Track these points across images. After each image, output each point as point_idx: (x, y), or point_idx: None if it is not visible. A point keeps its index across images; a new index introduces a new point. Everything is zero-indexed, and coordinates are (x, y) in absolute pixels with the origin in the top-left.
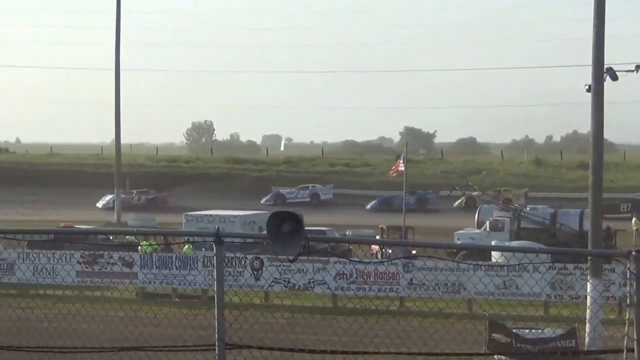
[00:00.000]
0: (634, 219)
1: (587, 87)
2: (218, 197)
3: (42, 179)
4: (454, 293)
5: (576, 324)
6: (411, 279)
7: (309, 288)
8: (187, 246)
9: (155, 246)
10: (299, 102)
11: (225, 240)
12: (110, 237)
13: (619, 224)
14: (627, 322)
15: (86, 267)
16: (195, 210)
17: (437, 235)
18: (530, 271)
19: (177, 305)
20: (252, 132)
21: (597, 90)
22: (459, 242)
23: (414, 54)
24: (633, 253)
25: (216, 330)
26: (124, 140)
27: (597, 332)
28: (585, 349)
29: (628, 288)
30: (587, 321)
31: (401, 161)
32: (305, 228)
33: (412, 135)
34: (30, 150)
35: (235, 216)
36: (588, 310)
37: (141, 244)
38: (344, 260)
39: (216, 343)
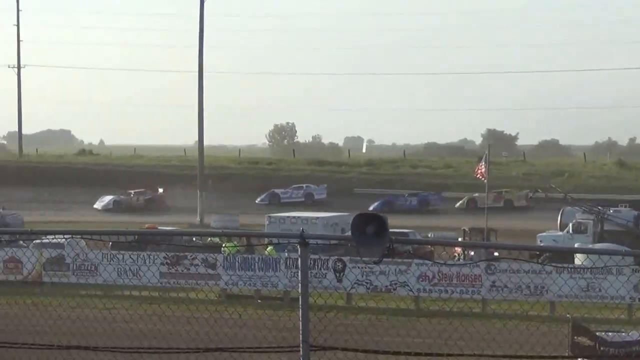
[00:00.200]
0: None
1: None
2: None
3: (126, 180)
4: (537, 295)
5: None
6: (494, 282)
7: (391, 290)
8: (270, 248)
9: (238, 247)
10: (381, 104)
11: (309, 241)
12: (194, 239)
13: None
14: None
15: (169, 269)
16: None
17: (518, 237)
18: (615, 274)
19: (259, 306)
20: (334, 134)
21: None
22: (541, 244)
23: (497, 55)
24: None
25: (300, 332)
26: (206, 142)
27: None
28: None
29: None
30: None
31: (483, 163)
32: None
33: (494, 138)
34: (114, 152)
35: (317, 218)
36: None
37: (225, 245)
38: (427, 262)
39: (300, 345)
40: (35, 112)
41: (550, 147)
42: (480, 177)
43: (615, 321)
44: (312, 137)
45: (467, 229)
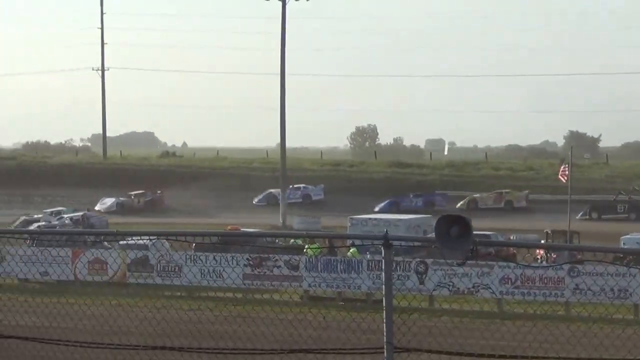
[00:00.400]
0: None
1: None
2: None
3: (209, 182)
4: (622, 299)
5: None
6: (577, 284)
7: (474, 292)
8: (352, 249)
9: (320, 249)
10: (462, 106)
11: (393, 243)
12: (276, 240)
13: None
14: None
15: (252, 270)
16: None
17: (601, 239)
18: None
19: (342, 308)
20: (415, 136)
21: None
22: (625, 247)
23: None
24: None
25: (384, 333)
26: (288, 144)
27: None
28: None
29: None
30: None
31: (565, 165)
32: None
33: (577, 140)
34: (197, 154)
35: (400, 220)
36: None
37: (307, 246)
38: (510, 264)
39: (385, 346)
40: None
41: (633, 149)
42: (563, 179)
43: None
44: (394, 139)
45: (549, 231)
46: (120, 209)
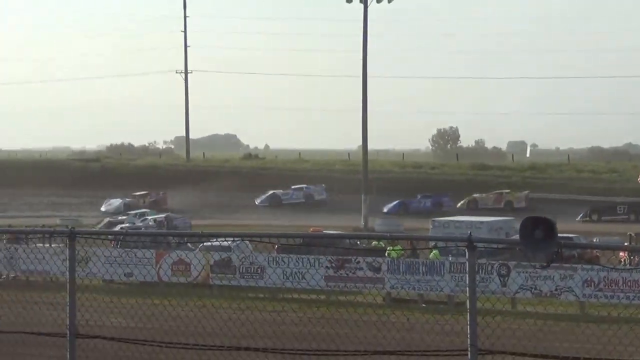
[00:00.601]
0: None
1: None
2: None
3: (291, 184)
4: None
5: None
6: None
7: (556, 295)
8: (434, 252)
9: (402, 251)
10: (543, 108)
11: (477, 245)
12: (358, 242)
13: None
14: None
15: (334, 272)
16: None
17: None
18: None
19: (424, 310)
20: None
21: None
22: None
23: None
24: None
25: (468, 336)
26: (370, 146)
27: None
28: None
29: None
30: None
31: None
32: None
33: None
34: (279, 156)
35: (482, 222)
36: None
37: (390, 248)
38: (593, 267)
39: (469, 348)
40: (202, 117)
41: None
42: None
43: None
44: (475, 142)
45: (633, 234)
46: (127, 209)
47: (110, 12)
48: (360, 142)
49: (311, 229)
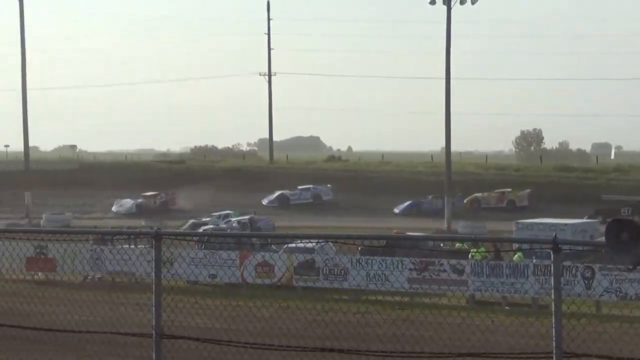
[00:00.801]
0: None
1: None
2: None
3: (374, 185)
4: None
5: None
6: None
7: None
8: (518, 254)
9: (485, 253)
10: (630, 110)
11: (562, 248)
12: (441, 244)
13: None
14: None
15: (417, 274)
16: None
17: None
18: None
19: (508, 313)
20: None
21: None
22: None
23: None
24: None
25: (554, 338)
26: (453, 148)
27: None
28: None
29: None
30: None
31: None
32: None
33: None
34: (362, 158)
35: (566, 224)
36: None
37: (474, 251)
38: None
39: (554, 351)
40: (285, 119)
41: None
42: None
43: None
44: (559, 144)
45: None
46: (140, 210)
47: (194, 16)
48: (443, 144)
49: (394, 231)
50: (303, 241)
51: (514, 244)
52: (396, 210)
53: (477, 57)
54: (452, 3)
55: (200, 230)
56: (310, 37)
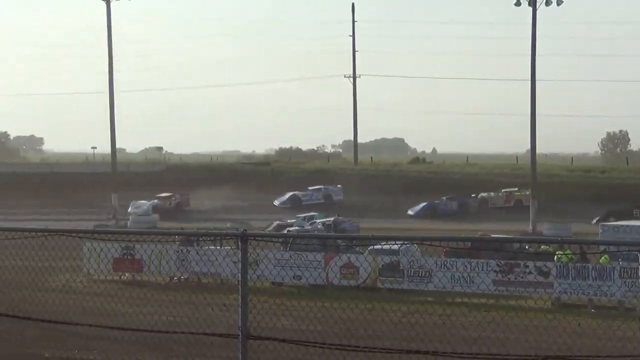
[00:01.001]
0: None
1: None
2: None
3: (461, 188)
4: None
5: None
6: None
7: None
8: (604, 256)
9: (571, 256)
10: None
11: None
12: (526, 247)
13: None
14: None
15: (502, 276)
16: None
17: None
18: None
19: (594, 316)
20: None
21: None
22: None
23: None
24: None
25: None
26: (538, 150)
27: None
28: None
29: None
30: None
31: None
32: None
33: None
34: (447, 160)
35: None
36: None
37: (560, 253)
38: None
39: None
40: (370, 120)
41: None
42: None
43: None
44: None
45: None
46: (157, 211)
47: (279, 18)
48: (528, 146)
49: (479, 233)
50: (388, 243)
51: (599, 246)
52: (410, 212)
53: (563, 59)
54: (538, 4)
55: (285, 231)
56: (395, 38)
